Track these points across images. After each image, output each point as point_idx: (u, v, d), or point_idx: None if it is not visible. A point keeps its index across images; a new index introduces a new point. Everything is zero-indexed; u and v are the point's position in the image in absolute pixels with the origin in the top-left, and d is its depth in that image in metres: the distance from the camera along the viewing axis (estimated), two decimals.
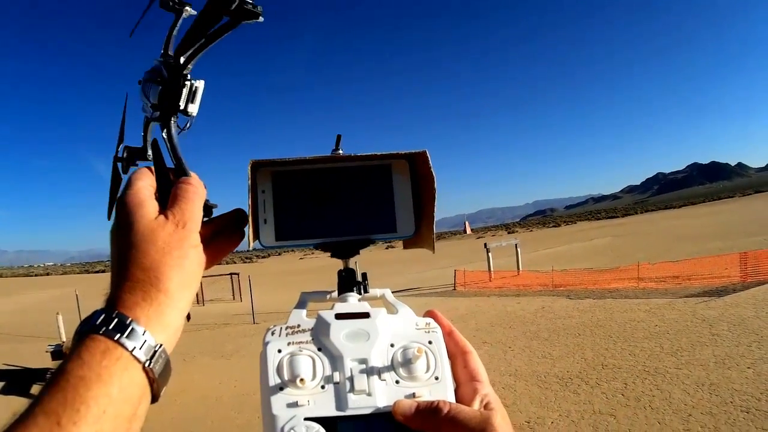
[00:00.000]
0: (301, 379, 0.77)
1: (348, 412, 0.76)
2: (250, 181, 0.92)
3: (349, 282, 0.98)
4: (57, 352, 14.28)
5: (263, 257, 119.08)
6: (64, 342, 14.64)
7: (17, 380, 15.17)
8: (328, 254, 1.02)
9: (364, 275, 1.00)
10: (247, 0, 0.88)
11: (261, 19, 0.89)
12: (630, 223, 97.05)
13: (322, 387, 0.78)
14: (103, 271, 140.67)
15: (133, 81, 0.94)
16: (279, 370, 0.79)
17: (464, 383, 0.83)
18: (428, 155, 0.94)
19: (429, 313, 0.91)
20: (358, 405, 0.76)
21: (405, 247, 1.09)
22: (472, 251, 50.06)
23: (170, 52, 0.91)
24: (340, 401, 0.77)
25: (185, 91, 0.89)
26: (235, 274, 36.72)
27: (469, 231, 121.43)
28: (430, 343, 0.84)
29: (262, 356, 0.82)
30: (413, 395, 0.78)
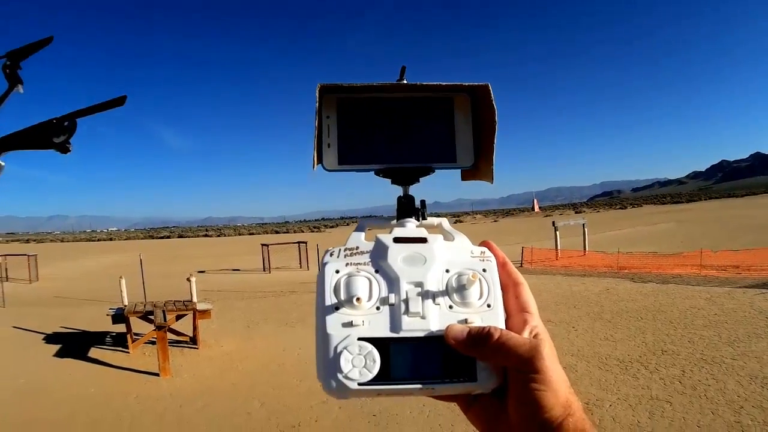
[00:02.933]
0: (358, 299, 0.78)
1: (401, 334, 0.77)
2: (317, 104, 0.92)
3: (408, 208, 0.97)
4: (118, 316, 14.05)
5: (331, 227, 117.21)
6: (125, 306, 14.39)
7: (75, 343, 15.03)
8: (389, 180, 1.00)
9: (422, 202, 0.99)
10: (63, 144, 0.95)
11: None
12: (694, 209, 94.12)
13: (377, 308, 0.79)
14: (168, 237, 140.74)
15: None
16: (336, 290, 0.80)
17: (515, 314, 0.83)
18: (490, 89, 0.92)
19: (484, 243, 0.90)
20: (412, 327, 0.77)
21: (463, 178, 1.06)
22: (540, 229, 49.45)
23: None
24: (395, 323, 0.78)
25: None
26: (302, 242, 36.31)
27: (537, 209, 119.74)
28: (484, 271, 0.83)
29: (320, 276, 0.83)
30: (465, 321, 0.79)
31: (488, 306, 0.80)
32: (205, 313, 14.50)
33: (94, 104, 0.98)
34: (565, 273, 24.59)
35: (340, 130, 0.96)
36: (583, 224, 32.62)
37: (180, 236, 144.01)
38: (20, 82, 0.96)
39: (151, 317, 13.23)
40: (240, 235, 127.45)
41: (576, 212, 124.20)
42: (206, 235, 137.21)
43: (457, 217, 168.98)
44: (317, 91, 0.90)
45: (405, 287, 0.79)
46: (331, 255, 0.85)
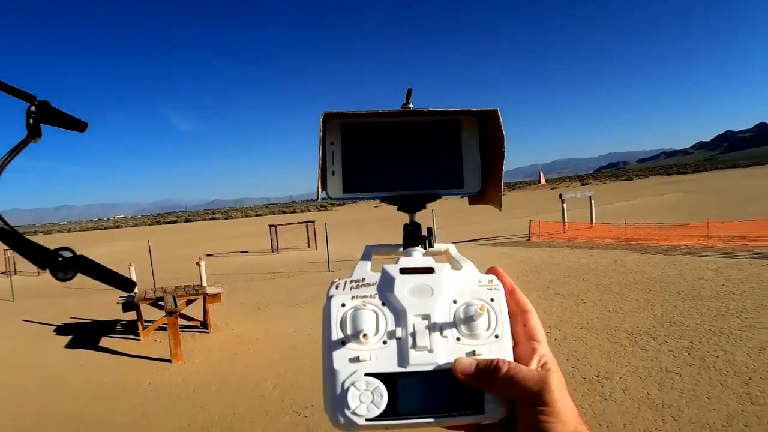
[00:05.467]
0: (364, 335, 0.76)
1: (409, 369, 0.76)
2: (321, 133, 0.90)
3: (414, 236, 0.95)
4: (128, 304, 13.93)
5: (338, 205, 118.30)
6: (135, 293, 14.11)
7: (86, 333, 15.00)
8: (395, 207, 0.99)
9: (429, 230, 0.96)
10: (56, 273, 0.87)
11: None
12: (700, 179, 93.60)
13: (384, 342, 0.77)
14: (175, 222, 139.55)
15: None
16: (342, 325, 0.79)
17: (523, 342, 0.82)
18: (499, 114, 0.90)
19: (492, 270, 0.88)
20: (419, 361, 0.76)
21: (470, 203, 1.04)
22: (547, 201, 49.37)
23: None
24: (402, 357, 0.76)
25: None
26: (310, 222, 35.88)
27: (543, 181, 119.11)
28: (492, 300, 0.82)
29: (325, 310, 0.81)
30: (473, 353, 0.77)
31: (496, 337, 0.79)
32: (215, 297, 14.49)
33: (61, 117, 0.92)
34: (573, 246, 24.49)
35: (344, 157, 0.94)
36: (590, 196, 32.32)
37: (187, 220, 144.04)
38: (39, 136, 0.89)
39: (162, 303, 13.24)
40: (247, 216, 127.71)
41: (582, 184, 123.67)
42: (213, 218, 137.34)
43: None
44: (321, 120, 0.89)
45: (412, 320, 0.78)
46: (337, 287, 0.83)
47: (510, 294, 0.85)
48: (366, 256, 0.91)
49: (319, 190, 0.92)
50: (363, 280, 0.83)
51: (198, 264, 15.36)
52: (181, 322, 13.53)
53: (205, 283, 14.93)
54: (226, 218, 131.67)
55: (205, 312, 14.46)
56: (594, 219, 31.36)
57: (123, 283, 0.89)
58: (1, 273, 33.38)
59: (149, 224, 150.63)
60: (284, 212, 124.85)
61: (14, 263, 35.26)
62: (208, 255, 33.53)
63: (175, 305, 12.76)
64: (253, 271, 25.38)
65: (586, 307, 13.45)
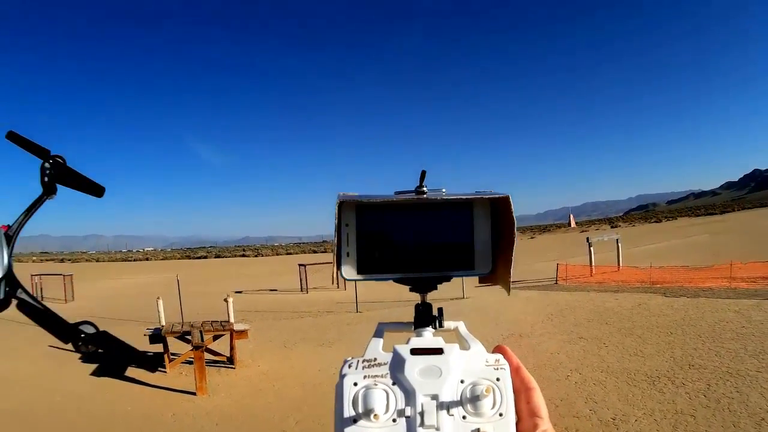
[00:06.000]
0: (375, 415, 0.79)
1: None
2: (336, 220, 0.94)
3: (425, 316, 0.98)
4: (155, 336, 14.00)
5: None
6: (163, 326, 14.44)
7: (112, 362, 14.69)
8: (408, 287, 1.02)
9: (440, 310, 0.99)
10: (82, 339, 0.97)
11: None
12: (727, 220, 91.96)
13: (394, 420, 0.80)
14: (205, 257, 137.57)
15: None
16: (354, 403, 0.81)
17: (526, 418, 0.85)
18: (511, 201, 0.93)
19: (498, 349, 0.91)
20: None
21: (480, 282, 1.08)
22: (576, 244, 49.05)
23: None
24: None
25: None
26: None
27: (573, 224, 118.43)
28: (498, 380, 0.84)
29: (338, 388, 0.83)
30: (478, 431, 0.80)
31: (500, 415, 0.82)
32: (242, 333, 14.68)
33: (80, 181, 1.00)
34: (599, 289, 24.43)
35: (359, 240, 0.98)
36: (617, 239, 32.34)
37: (217, 256, 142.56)
38: (54, 192, 0.97)
39: (189, 337, 13.40)
40: (277, 254, 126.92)
41: (612, 227, 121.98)
42: (243, 255, 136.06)
43: None
44: (336, 207, 0.93)
45: (421, 399, 0.81)
46: (350, 366, 0.86)
47: (515, 372, 0.89)
48: (378, 334, 0.95)
49: (335, 272, 0.98)
50: (375, 359, 0.87)
51: (226, 300, 15.46)
52: (208, 356, 13.70)
53: (232, 319, 15.05)
54: (256, 255, 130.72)
55: (232, 348, 14.67)
56: (621, 262, 31.18)
57: (145, 360, 1.13)
58: None
59: (179, 258, 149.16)
60: (314, 251, 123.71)
61: (41, 288, 35.00)
62: (237, 291, 33.35)
63: (202, 340, 12.99)
64: (281, 309, 25.34)
65: (607, 350, 13.51)
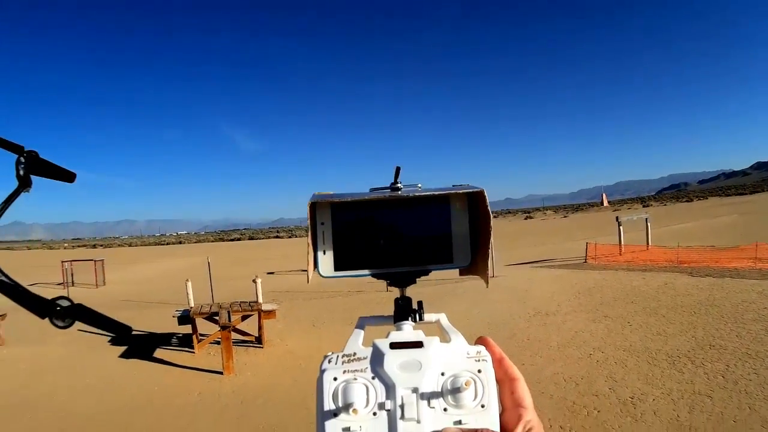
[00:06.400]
0: (354, 409, 0.78)
1: None
2: (309, 221, 0.94)
3: (405, 310, 0.97)
4: (184, 317, 14.19)
5: None
6: (192, 307, 14.54)
7: (141, 344, 15.28)
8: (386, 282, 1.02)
9: (419, 303, 0.99)
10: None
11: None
12: (757, 201, 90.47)
13: (374, 414, 0.79)
14: (239, 239, 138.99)
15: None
16: (334, 397, 0.80)
17: (510, 409, 0.83)
18: (485, 194, 0.92)
19: (480, 341, 0.90)
20: (408, 431, 0.78)
21: (461, 274, 1.07)
22: (607, 224, 48.59)
23: None
24: (391, 428, 0.78)
25: None
26: None
27: (606, 203, 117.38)
28: (479, 371, 0.83)
29: (318, 383, 0.83)
30: (459, 422, 0.79)
31: (482, 406, 0.81)
32: (270, 313, 14.90)
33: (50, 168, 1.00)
34: (627, 268, 24.35)
35: (335, 237, 0.98)
36: (646, 219, 32.19)
37: (251, 238, 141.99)
38: (30, 186, 0.98)
39: (217, 318, 13.58)
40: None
41: (644, 206, 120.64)
42: (277, 236, 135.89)
43: (527, 213, 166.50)
44: (308, 207, 0.93)
45: (401, 393, 0.81)
46: (330, 362, 0.86)
47: (498, 363, 0.87)
48: (359, 328, 0.96)
49: (310, 271, 0.98)
50: (354, 354, 0.86)
51: (254, 281, 15.55)
52: (236, 336, 14.00)
53: (260, 300, 15.16)
54: (290, 237, 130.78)
55: (260, 327, 14.85)
56: (650, 241, 31.11)
57: (118, 329, 1.01)
58: (58, 284, 33.98)
59: (212, 241, 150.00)
60: None
61: (72, 274, 35.35)
62: (269, 273, 34.01)
63: (230, 320, 13.19)
64: (312, 289, 25.42)
65: (631, 329, 13.62)
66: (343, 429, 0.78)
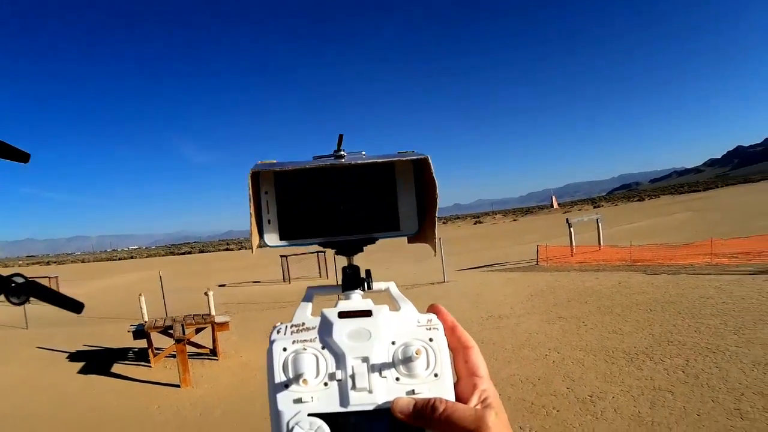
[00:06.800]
0: (304, 379, 0.78)
1: (350, 409, 0.77)
2: (250, 191, 0.91)
3: (353, 279, 0.97)
4: (139, 332, 14.24)
5: None
6: (146, 322, 14.57)
7: (98, 360, 15.33)
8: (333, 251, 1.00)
9: (368, 272, 0.98)
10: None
11: None
12: (710, 197, 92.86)
13: (325, 384, 0.79)
14: (189, 253, 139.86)
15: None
16: (284, 368, 0.80)
17: (464, 378, 0.83)
18: (430, 161, 0.90)
19: (432, 309, 0.89)
20: (360, 402, 0.77)
21: (409, 242, 1.04)
22: (558, 226, 49.19)
23: None
24: (343, 398, 0.78)
25: None
26: (321, 252, 35.15)
27: (555, 205, 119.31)
28: (430, 340, 0.83)
29: (269, 354, 0.83)
30: (412, 392, 0.79)
31: (435, 376, 0.80)
32: (223, 325, 14.74)
33: None
34: (579, 269, 24.39)
35: (279, 206, 0.95)
36: (597, 219, 32.36)
37: (201, 251, 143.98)
38: None
39: (171, 331, 13.50)
40: (260, 247, 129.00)
41: (594, 207, 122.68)
42: (227, 249, 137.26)
43: (477, 218, 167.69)
44: (249, 178, 0.90)
45: (351, 362, 0.80)
46: (278, 332, 0.85)
47: (451, 331, 0.87)
48: (307, 298, 0.95)
49: (254, 241, 0.94)
50: (303, 324, 0.86)
51: (206, 294, 15.53)
52: (191, 349, 13.89)
53: (213, 312, 15.18)
54: (239, 249, 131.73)
55: (214, 340, 14.78)
56: (602, 242, 31.28)
57: (71, 304, 0.98)
58: None
59: (163, 255, 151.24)
60: None
61: None
62: (220, 285, 33.84)
63: (184, 333, 13.13)
64: (264, 300, 25.48)
65: (586, 329, 13.45)
66: (294, 400, 0.78)
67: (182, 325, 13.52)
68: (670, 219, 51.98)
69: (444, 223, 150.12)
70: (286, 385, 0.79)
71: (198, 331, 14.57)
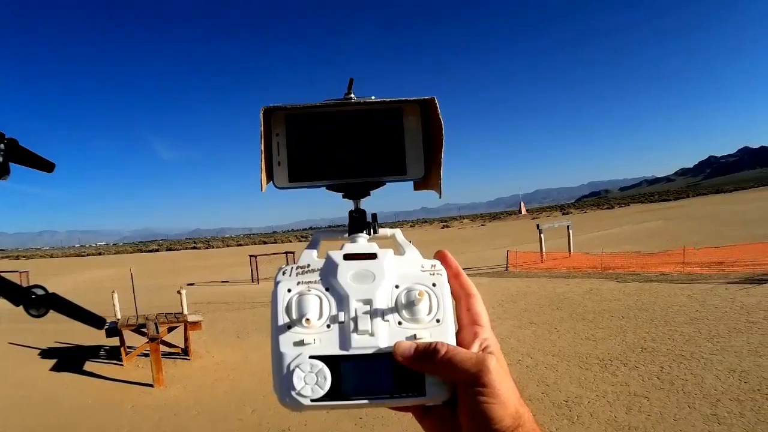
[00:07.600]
0: (307, 319, 0.79)
1: (351, 352, 0.78)
2: (262, 128, 0.91)
3: (359, 222, 0.96)
4: (111, 329, 14.02)
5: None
6: (119, 319, 14.50)
7: (70, 357, 15.24)
8: (341, 194, 0.99)
9: (374, 216, 0.98)
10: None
11: None
12: (681, 206, 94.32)
13: (328, 326, 0.80)
14: (157, 251, 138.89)
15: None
16: (288, 310, 0.81)
17: (466, 326, 0.83)
18: (437, 102, 0.91)
19: (438, 255, 0.90)
20: (361, 345, 0.78)
21: (415, 188, 1.04)
22: (527, 231, 49.53)
23: None
24: (344, 341, 0.78)
25: None
26: (290, 252, 35.67)
27: (524, 211, 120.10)
28: (434, 285, 0.83)
29: (273, 296, 0.84)
30: (414, 337, 0.79)
31: (437, 321, 0.80)
32: (195, 324, 14.70)
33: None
34: (550, 275, 24.53)
35: (289, 147, 0.95)
36: (568, 226, 32.61)
37: (169, 249, 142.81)
38: (7, 173, 0.93)
39: (144, 330, 13.43)
40: (228, 246, 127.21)
41: (563, 213, 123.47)
42: (195, 248, 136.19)
43: (444, 222, 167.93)
44: (261, 114, 0.90)
45: (354, 305, 0.80)
46: (284, 273, 0.86)
47: (455, 278, 0.87)
48: (313, 243, 0.93)
49: (263, 181, 0.94)
50: (308, 266, 0.86)
51: (179, 292, 15.44)
52: (163, 348, 13.75)
53: (186, 311, 15.07)
54: (207, 248, 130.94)
55: (186, 339, 14.76)
56: (572, 248, 31.48)
57: (93, 319, 0.95)
58: None
59: (131, 252, 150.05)
60: (265, 242, 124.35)
61: None
62: (189, 284, 33.25)
63: (157, 332, 13.06)
64: (233, 300, 25.45)
65: (559, 334, 13.50)
66: (296, 342, 0.79)
67: (155, 324, 13.43)
68: (641, 227, 52.65)
69: (411, 227, 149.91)
70: (288, 327, 0.80)
71: (170, 329, 14.47)
